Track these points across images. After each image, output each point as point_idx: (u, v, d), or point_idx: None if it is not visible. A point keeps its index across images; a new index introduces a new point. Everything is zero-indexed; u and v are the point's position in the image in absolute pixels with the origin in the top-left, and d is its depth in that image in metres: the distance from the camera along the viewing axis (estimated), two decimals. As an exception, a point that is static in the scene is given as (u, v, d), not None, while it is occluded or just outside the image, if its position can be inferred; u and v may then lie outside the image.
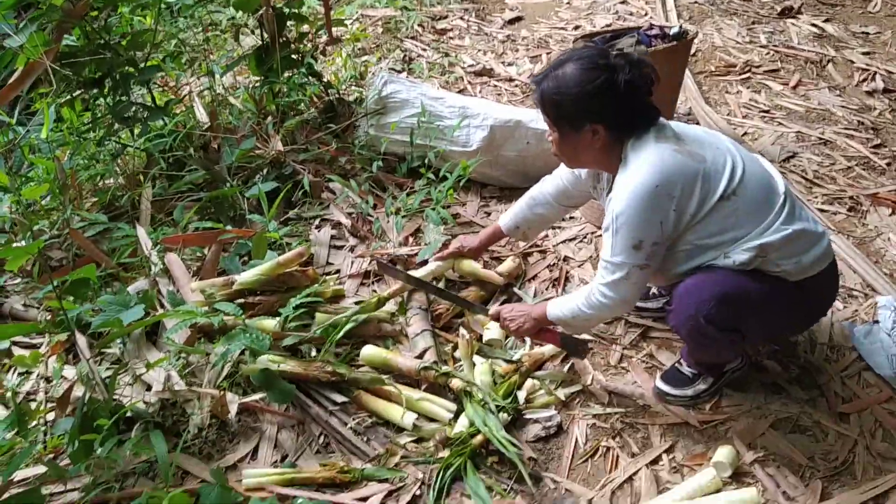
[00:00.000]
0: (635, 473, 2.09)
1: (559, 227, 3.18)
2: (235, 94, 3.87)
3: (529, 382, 2.37)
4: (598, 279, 2.06)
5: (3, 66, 2.97)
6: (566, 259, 2.98)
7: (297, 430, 2.23)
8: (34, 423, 2.18)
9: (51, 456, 2.14)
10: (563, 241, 3.09)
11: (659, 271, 2.07)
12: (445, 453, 2.12)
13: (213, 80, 3.76)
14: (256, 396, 2.28)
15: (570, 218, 3.22)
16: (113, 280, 2.76)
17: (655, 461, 2.13)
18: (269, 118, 3.49)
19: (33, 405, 2.31)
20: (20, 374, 2.52)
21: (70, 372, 2.42)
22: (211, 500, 1.92)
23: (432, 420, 2.25)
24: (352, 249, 3.00)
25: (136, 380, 2.30)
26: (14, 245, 2.83)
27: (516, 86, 4.49)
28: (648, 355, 2.51)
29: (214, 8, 4.49)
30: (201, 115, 3.69)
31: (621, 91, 1.90)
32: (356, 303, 2.65)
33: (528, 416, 2.27)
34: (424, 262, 2.80)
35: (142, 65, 3.14)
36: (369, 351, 2.42)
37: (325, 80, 3.70)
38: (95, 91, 3.13)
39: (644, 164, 1.91)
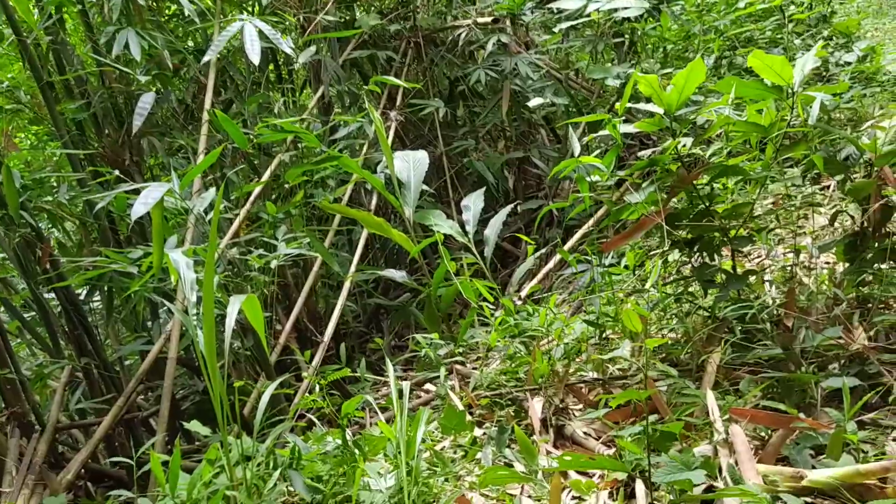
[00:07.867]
0: None
1: None
2: (809, 275, 3.73)
3: None
4: None
5: (616, 216, 3.39)
6: None
7: None
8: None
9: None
10: None
11: None
12: None
13: (798, 259, 3.68)
14: None
15: None
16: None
17: None
18: (854, 309, 3.24)
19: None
20: (573, 499, 2.69)
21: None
22: None
23: None
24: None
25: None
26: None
27: None
28: None
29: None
30: (771, 289, 3.64)
31: None
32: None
33: None
34: None
35: (732, 233, 3.25)
36: None
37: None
38: (687, 251, 3.33)
39: None
